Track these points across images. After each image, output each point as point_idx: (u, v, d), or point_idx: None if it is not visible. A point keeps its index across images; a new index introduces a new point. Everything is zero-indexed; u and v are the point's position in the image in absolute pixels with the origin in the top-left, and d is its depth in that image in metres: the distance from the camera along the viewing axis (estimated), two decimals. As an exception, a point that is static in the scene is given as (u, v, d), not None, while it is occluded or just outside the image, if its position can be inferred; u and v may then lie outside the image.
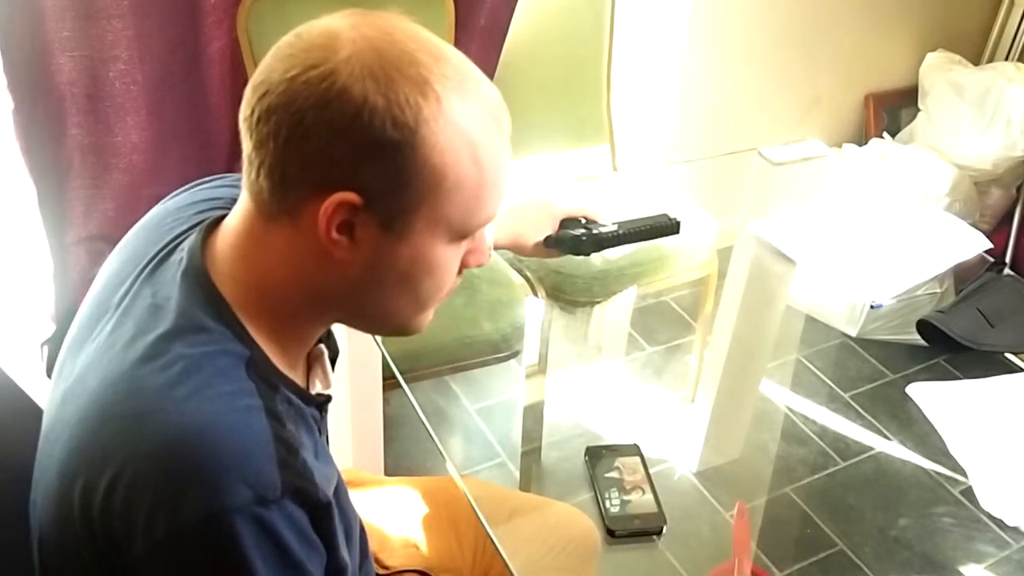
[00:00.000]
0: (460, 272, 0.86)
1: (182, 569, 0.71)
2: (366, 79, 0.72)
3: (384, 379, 1.59)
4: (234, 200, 0.90)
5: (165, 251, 0.85)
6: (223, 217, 0.85)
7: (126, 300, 0.83)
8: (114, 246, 1.99)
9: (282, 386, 0.80)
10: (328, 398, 0.89)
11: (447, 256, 0.81)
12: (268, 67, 0.76)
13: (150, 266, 0.84)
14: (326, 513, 0.78)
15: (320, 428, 0.87)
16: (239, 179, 0.97)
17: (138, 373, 0.75)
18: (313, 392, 0.88)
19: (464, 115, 0.76)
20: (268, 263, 0.79)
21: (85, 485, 0.74)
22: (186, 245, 0.83)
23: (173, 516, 0.70)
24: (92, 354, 0.81)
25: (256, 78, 0.76)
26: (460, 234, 0.81)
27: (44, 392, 1.82)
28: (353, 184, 0.74)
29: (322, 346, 0.91)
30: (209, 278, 0.80)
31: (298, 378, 0.85)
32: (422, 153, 0.74)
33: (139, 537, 0.71)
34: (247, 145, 0.77)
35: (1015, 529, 1.33)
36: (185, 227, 0.87)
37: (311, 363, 0.90)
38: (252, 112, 0.75)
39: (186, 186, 0.98)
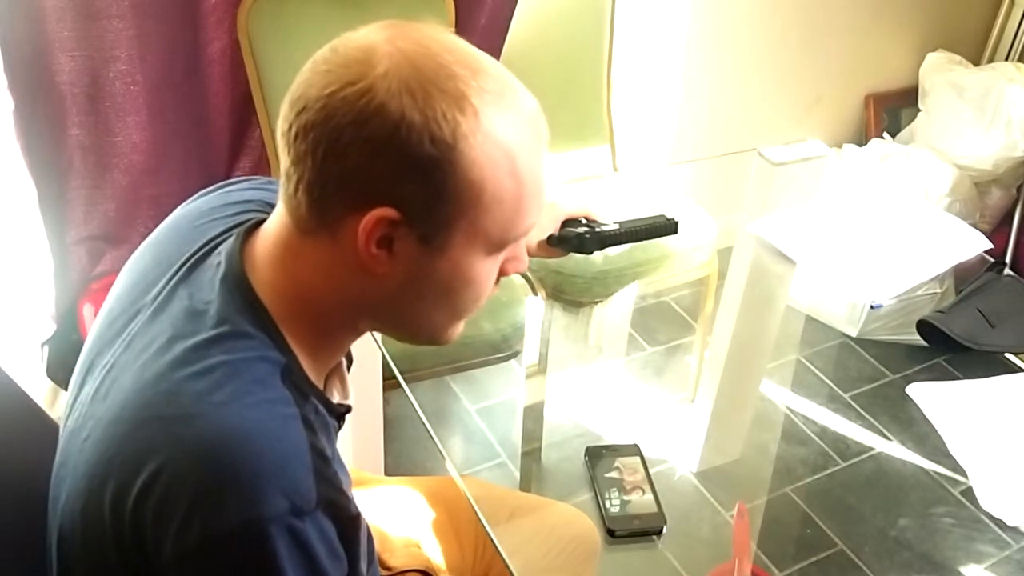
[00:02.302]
0: (498, 281, 0.86)
1: (213, 574, 0.71)
2: (403, 95, 0.72)
3: (384, 379, 1.59)
4: (265, 203, 0.91)
5: (201, 253, 0.85)
6: (259, 221, 0.85)
7: (159, 300, 0.82)
8: (114, 246, 2.00)
9: (312, 395, 0.80)
10: (349, 409, 0.89)
11: (486, 268, 0.82)
12: (305, 82, 0.75)
13: (185, 267, 0.84)
14: (353, 526, 0.78)
15: (336, 436, 0.87)
16: (269, 182, 0.97)
17: (176, 376, 0.75)
18: (333, 402, 0.88)
19: (502, 128, 0.75)
20: (306, 275, 0.79)
21: (118, 486, 0.74)
22: (223, 249, 0.83)
23: (208, 522, 0.70)
24: (124, 353, 0.81)
25: (293, 92, 0.76)
26: (499, 246, 0.81)
27: (44, 392, 1.82)
28: (392, 200, 0.74)
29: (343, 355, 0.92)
30: (249, 284, 0.80)
31: (321, 386, 0.86)
32: (460, 168, 0.74)
33: (171, 541, 0.71)
34: (284, 160, 0.77)
35: (1015, 529, 1.33)
36: (221, 229, 0.87)
37: (329, 373, 0.90)
38: (290, 128, 0.75)
39: (214, 186, 0.98)
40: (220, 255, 0.83)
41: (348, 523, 0.77)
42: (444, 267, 0.79)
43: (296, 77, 0.77)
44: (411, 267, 0.78)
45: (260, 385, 0.76)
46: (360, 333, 0.88)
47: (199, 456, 0.72)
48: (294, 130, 0.75)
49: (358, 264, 0.77)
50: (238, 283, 0.80)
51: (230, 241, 0.84)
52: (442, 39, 0.77)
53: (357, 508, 0.79)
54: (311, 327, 0.81)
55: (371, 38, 0.76)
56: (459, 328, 0.88)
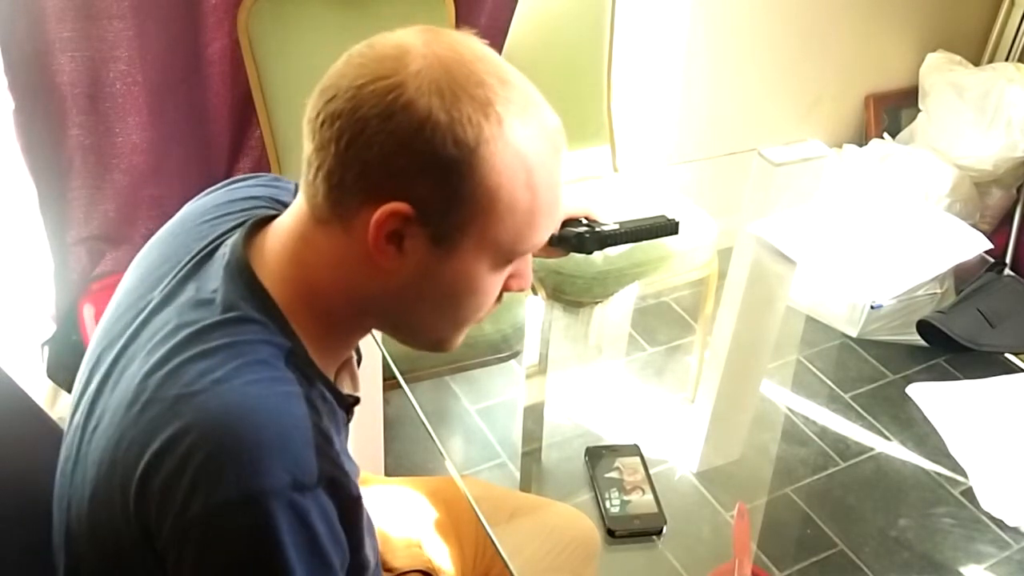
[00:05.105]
0: (500, 297, 0.86)
1: (214, 548, 0.72)
2: (432, 95, 0.73)
3: (384, 379, 1.59)
4: (273, 199, 0.92)
5: (209, 248, 0.86)
6: (268, 217, 0.86)
7: (166, 293, 0.83)
8: (115, 246, 2.00)
9: (318, 381, 0.81)
10: (357, 400, 0.89)
11: (491, 278, 0.82)
12: (338, 73, 0.77)
13: (193, 262, 0.85)
14: (355, 508, 0.79)
15: (345, 432, 0.87)
16: (276, 179, 0.99)
17: (180, 359, 0.76)
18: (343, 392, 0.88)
19: (523, 139, 0.77)
20: (316, 266, 0.80)
21: (125, 469, 0.74)
22: (230, 242, 0.84)
23: (210, 496, 0.70)
24: (131, 345, 0.82)
25: (324, 82, 0.77)
26: (507, 257, 0.82)
27: (44, 392, 1.82)
28: (407, 196, 0.75)
29: (351, 350, 0.92)
30: (252, 272, 0.81)
31: (331, 378, 0.86)
32: (479, 173, 0.75)
33: (173, 517, 0.71)
34: (308, 147, 0.78)
35: (1015, 530, 1.33)
36: (229, 225, 0.88)
37: (340, 366, 0.90)
38: (317, 115, 0.77)
39: (221, 183, 0.99)
40: (227, 247, 0.84)
41: (350, 504, 0.78)
42: (450, 271, 0.79)
43: (329, 69, 0.78)
44: (418, 267, 0.78)
45: (263, 365, 0.76)
46: (367, 330, 0.89)
47: (201, 431, 0.72)
48: (321, 117, 0.76)
49: (367, 257, 0.77)
50: (241, 271, 0.81)
51: (236, 234, 0.84)
52: (475, 48, 0.79)
53: (358, 489, 0.79)
54: (317, 318, 0.81)
55: (407, 39, 0.77)
56: (460, 337, 0.88)
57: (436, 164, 0.74)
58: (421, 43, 0.76)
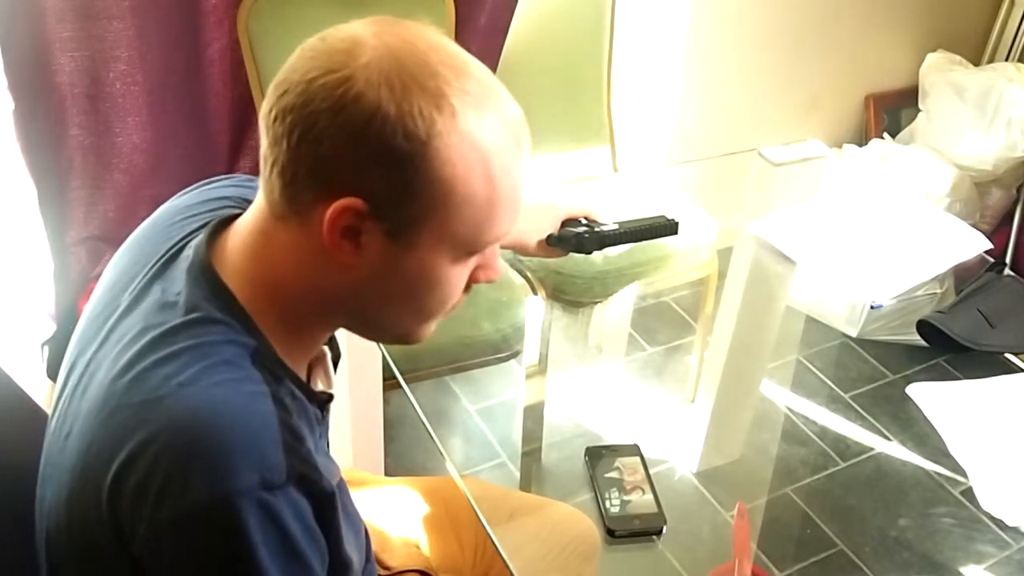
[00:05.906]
0: (468, 288, 0.85)
1: (186, 551, 0.71)
2: (381, 87, 0.72)
3: (384, 379, 1.59)
4: (244, 199, 0.91)
5: (175, 249, 0.85)
6: (234, 216, 0.85)
7: (134, 296, 0.83)
8: (114, 246, 1.99)
9: (286, 379, 0.80)
10: (330, 397, 0.89)
11: (453, 271, 0.81)
12: (290, 67, 0.76)
13: (159, 263, 0.84)
14: (329, 504, 0.78)
15: (321, 430, 0.87)
16: (248, 179, 0.98)
17: (145, 363, 0.76)
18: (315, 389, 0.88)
19: (480, 131, 0.75)
20: (277, 262, 0.80)
21: (96, 476, 0.74)
22: (194, 243, 0.84)
23: (179, 498, 0.70)
24: (101, 350, 0.81)
25: (278, 77, 0.77)
26: (468, 250, 0.81)
27: (44, 392, 1.82)
28: (360, 191, 0.74)
29: (324, 347, 0.92)
30: (215, 272, 0.80)
31: (301, 376, 0.85)
32: (432, 166, 0.74)
33: (145, 522, 0.71)
34: (263, 142, 0.77)
35: (1015, 529, 1.33)
36: (196, 226, 0.87)
37: (313, 364, 0.90)
38: (270, 110, 0.76)
39: (194, 185, 0.98)
40: (191, 249, 0.84)
41: (323, 501, 0.77)
42: (410, 266, 0.78)
43: (284, 64, 0.77)
44: (377, 262, 0.78)
45: (228, 366, 0.76)
46: (332, 329, 0.88)
47: (168, 436, 0.72)
48: (273, 112, 0.75)
49: (326, 253, 0.77)
50: (203, 271, 0.80)
51: (200, 235, 0.84)
52: (430, 38, 0.77)
53: (332, 486, 0.78)
54: (280, 315, 0.81)
55: (359, 31, 0.76)
56: (429, 329, 0.87)
57: (387, 157, 0.73)
58: (372, 35, 0.75)
